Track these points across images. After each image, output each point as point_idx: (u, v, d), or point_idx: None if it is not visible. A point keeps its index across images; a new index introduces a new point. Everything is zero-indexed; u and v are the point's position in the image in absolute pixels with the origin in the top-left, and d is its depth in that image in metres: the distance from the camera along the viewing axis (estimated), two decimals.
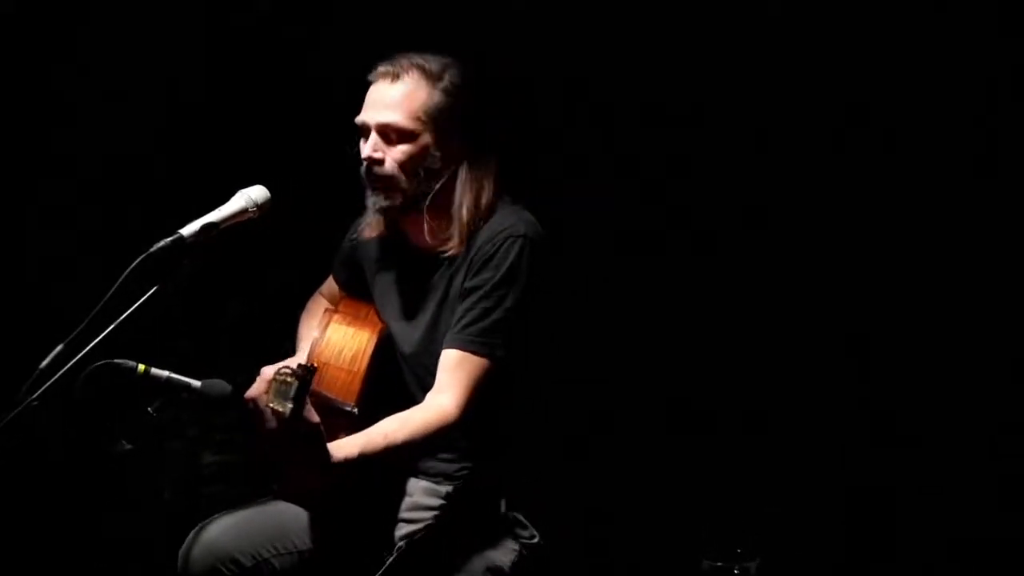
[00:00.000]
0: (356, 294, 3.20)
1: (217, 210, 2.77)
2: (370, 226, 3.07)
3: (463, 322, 2.90)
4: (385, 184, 2.94)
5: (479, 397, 2.87)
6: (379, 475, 2.98)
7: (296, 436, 2.62)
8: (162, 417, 2.78)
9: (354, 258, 3.20)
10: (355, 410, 2.89)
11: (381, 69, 2.95)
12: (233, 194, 2.81)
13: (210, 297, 3.94)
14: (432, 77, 2.93)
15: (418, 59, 2.94)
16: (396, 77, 2.93)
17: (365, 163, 2.94)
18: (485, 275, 2.91)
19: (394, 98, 2.92)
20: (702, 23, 3.67)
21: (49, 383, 2.49)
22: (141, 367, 2.70)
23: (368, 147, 2.94)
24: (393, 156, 2.92)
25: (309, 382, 2.56)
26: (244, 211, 2.79)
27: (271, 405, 2.59)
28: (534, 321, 2.94)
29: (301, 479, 2.81)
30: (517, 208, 2.99)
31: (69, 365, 2.51)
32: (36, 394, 2.47)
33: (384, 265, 3.13)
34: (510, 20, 3.77)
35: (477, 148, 2.97)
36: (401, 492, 3.04)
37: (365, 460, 2.76)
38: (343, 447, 2.75)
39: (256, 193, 2.82)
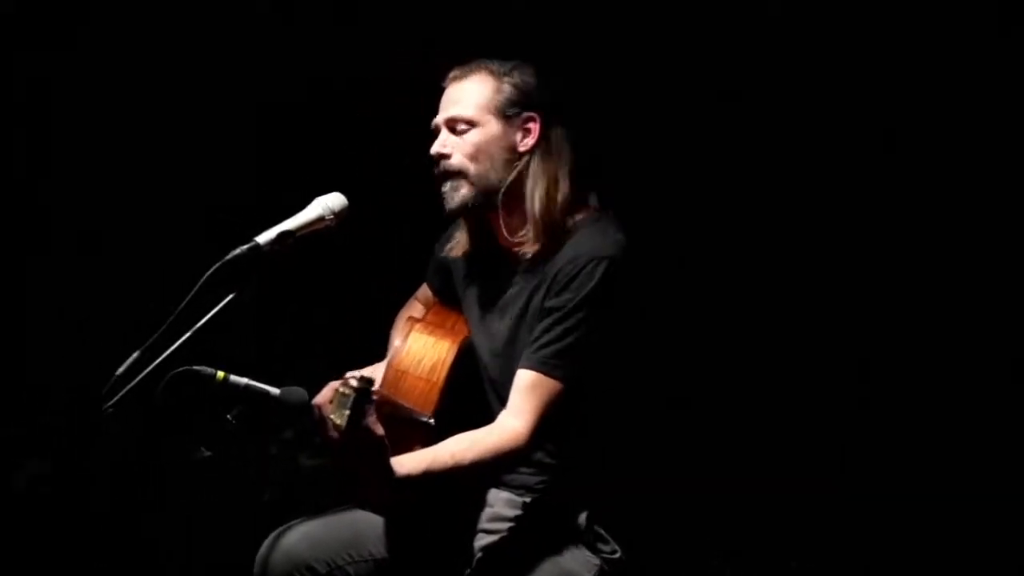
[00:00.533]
0: (449, 302, 3.19)
1: (293, 218, 2.76)
2: (458, 243, 3.08)
3: (540, 342, 2.86)
4: (453, 176, 2.94)
5: (550, 421, 2.84)
6: (449, 492, 2.94)
7: (354, 448, 2.61)
8: (241, 424, 2.79)
9: (445, 265, 3.19)
10: (431, 420, 2.87)
11: (452, 74, 3.00)
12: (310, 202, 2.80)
13: (296, 303, 3.95)
14: (498, 74, 2.96)
15: (487, 62, 2.98)
16: (464, 77, 2.97)
17: (435, 161, 2.95)
18: (566, 296, 2.87)
19: (460, 93, 2.96)
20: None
21: (125, 390, 2.49)
22: (220, 374, 2.71)
23: (436, 143, 2.96)
24: (460, 148, 2.94)
25: (366, 395, 2.54)
26: (321, 219, 2.78)
27: (331, 416, 2.58)
28: (616, 342, 2.90)
29: (364, 490, 2.79)
30: (605, 224, 2.95)
31: (146, 372, 2.52)
32: (112, 400, 2.47)
33: (471, 275, 3.11)
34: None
35: (549, 141, 2.96)
36: (482, 502, 3.00)
37: (429, 478, 2.74)
38: (406, 463, 2.73)
39: (333, 201, 2.81)
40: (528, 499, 2.97)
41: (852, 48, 3.60)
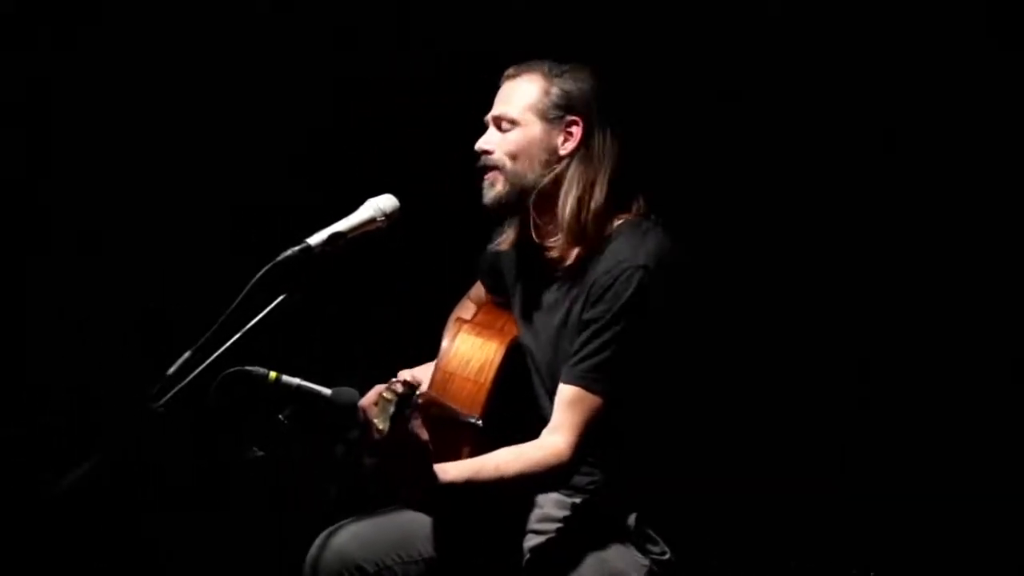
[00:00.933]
0: (501, 300, 3.20)
1: (345, 219, 2.78)
2: (506, 239, 3.10)
3: (579, 356, 2.87)
4: (491, 170, 2.98)
5: (593, 435, 2.84)
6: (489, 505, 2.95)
7: (397, 453, 2.62)
8: (293, 424, 2.81)
9: (497, 264, 3.21)
10: (479, 422, 2.86)
11: (508, 72, 3.03)
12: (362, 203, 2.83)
13: (351, 303, 3.97)
14: (550, 75, 2.98)
15: (541, 62, 3.00)
16: (517, 76, 3.01)
17: (477, 154, 3.00)
18: (601, 308, 2.87)
19: (511, 93, 3.00)
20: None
21: (176, 389, 2.52)
22: (272, 374, 2.74)
23: (482, 139, 3.01)
24: (502, 145, 2.97)
25: (409, 401, 2.55)
26: (372, 220, 2.80)
27: (375, 420, 2.58)
28: (657, 352, 2.89)
29: (406, 492, 2.79)
30: (642, 231, 2.94)
31: (196, 372, 2.54)
32: (163, 400, 2.50)
33: (519, 275, 3.12)
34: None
35: (589, 147, 2.96)
36: (531, 503, 3.01)
37: (471, 488, 2.76)
38: (450, 471, 2.74)
39: (384, 202, 2.83)
40: (578, 500, 2.97)
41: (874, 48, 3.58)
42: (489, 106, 3.02)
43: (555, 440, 2.83)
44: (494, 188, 2.97)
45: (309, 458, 3.66)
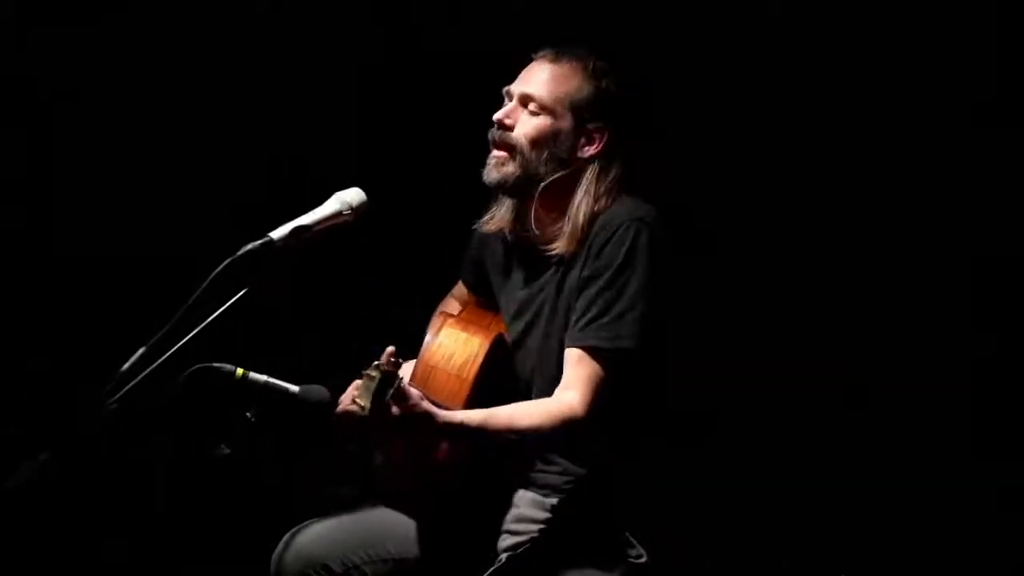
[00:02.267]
0: (484, 299, 3.14)
1: (310, 213, 2.70)
2: (494, 219, 3.01)
3: (586, 317, 2.79)
4: (506, 148, 2.88)
5: (605, 395, 2.76)
6: (486, 479, 2.89)
7: (383, 426, 2.56)
8: (260, 422, 2.76)
9: (481, 259, 3.14)
10: None
11: (547, 50, 2.93)
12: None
13: (324, 299, 3.91)
14: (591, 73, 2.88)
15: (585, 54, 2.90)
16: (556, 60, 2.91)
17: (495, 125, 2.89)
18: (601, 263, 2.80)
19: (546, 76, 2.89)
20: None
21: (128, 387, 2.46)
22: (239, 371, 2.68)
23: (503, 110, 2.90)
24: (524, 126, 2.88)
25: (392, 379, 2.51)
26: (338, 214, 2.73)
27: (357, 400, 2.54)
28: (661, 308, 2.81)
29: (400, 470, 2.74)
30: (636, 200, 2.88)
31: (150, 368, 2.48)
32: (115, 397, 2.44)
33: (505, 264, 3.05)
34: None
35: (609, 158, 2.89)
36: (507, 503, 2.93)
37: (483, 432, 2.69)
38: (462, 412, 2.70)
39: (351, 196, 2.75)
40: (555, 500, 2.90)
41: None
42: (488, 102, 2.93)
43: (567, 395, 2.76)
44: (502, 168, 2.88)
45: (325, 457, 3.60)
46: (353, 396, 2.59)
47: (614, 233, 2.79)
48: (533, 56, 2.93)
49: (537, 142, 2.86)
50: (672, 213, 2.88)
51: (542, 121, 2.86)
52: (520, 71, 2.95)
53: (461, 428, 2.67)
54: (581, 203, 2.86)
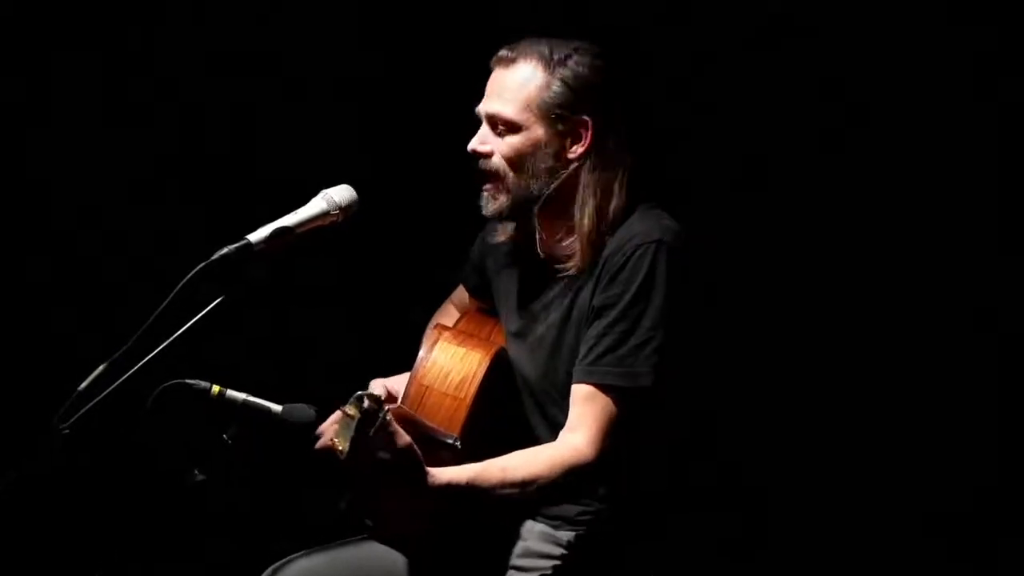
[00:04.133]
0: (486, 305, 2.88)
1: (294, 213, 2.45)
2: (503, 229, 2.74)
3: (597, 351, 2.51)
4: (490, 180, 2.61)
5: (617, 435, 2.49)
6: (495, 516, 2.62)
7: (367, 474, 2.28)
8: (239, 444, 2.50)
9: (483, 264, 2.87)
10: (457, 443, 2.54)
11: (500, 54, 2.62)
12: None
13: (308, 306, 3.64)
14: (551, 64, 2.57)
15: (542, 44, 2.60)
16: (512, 62, 2.60)
17: (473, 158, 2.62)
18: (615, 291, 2.52)
19: (506, 85, 2.60)
20: None
21: (86, 408, 2.19)
22: (215, 388, 2.46)
23: (475, 139, 2.62)
24: (500, 149, 2.59)
25: (374, 419, 2.22)
26: (325, 214, 2.48)
27: (334, 440, 2.25)
28: (683, 340, 2.54)
29: (392, 515, 2.45)
30: (654, 212, 2.60)
31: (112, 388, 2.22)
32: (70, 420, 2.17)
33: (508, 276, 2.78)
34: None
35: (603, 148, 2.59)
36: (514, 535, 2.67)
37: (474, 492, 2.39)
38: (448, 472, 2.39)
39: (340, 194, 2.49)
40: (568, 535, 2.63)
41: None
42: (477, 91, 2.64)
43: (573, 438, 2.49)
44: (495, 201, 2.61)
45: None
46: (333, 432, 2.31)
47: (629, 258, 2.52)
48: (491, 66, 2.65)
49: (518, 164, 2.59)
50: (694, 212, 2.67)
51: (516, 140, 2.58)
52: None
53: (448, 490, 2.37)
54: (584, 209, 2.58)
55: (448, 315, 2.97)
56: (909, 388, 3.32)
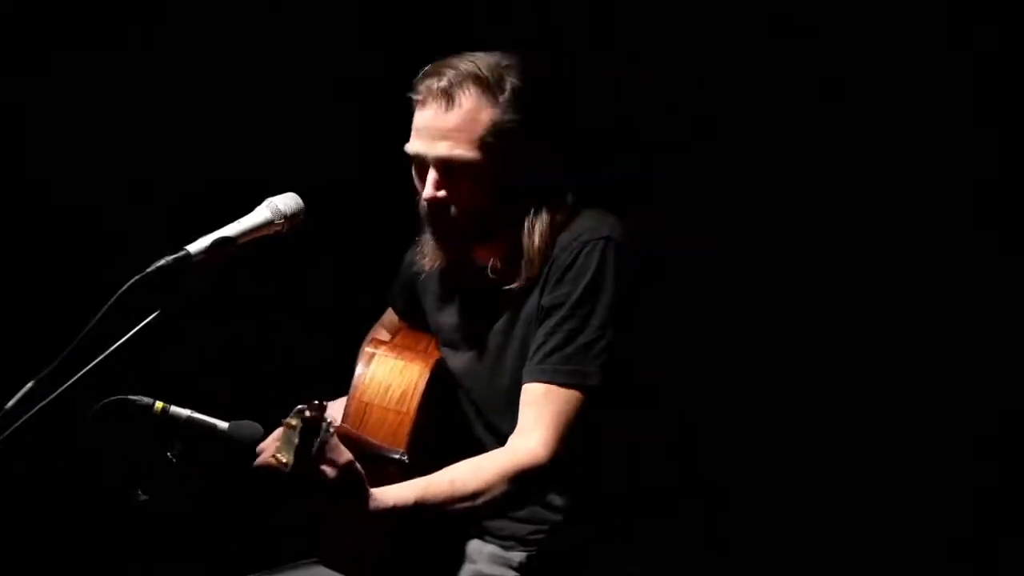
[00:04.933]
0: (417, 324, 2.78)
1: (236, 222, 2.35)
2: (429, 258, 2.60)
3: (544, 349, 2.43)
4: (451, 229, 2.48)
5: (571, 436, 2.39)
6: (436, 535, 2.53)
7: (310, 489, 2.18)
8: (184, 463, 2.41)
9: (412, 283, 2.77)
10: (404, 457, 2.45)
11: (431, 86, 2.45)
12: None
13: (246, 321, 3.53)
14: (491, 88, 2.44)
15: (467, 65, 2.45)
16: (450, 99, 2.43)
17: (426, 204, 2.48)
18: (563, 290, 2.44)
19: (452, 126, 2.44)
20: None
21: (12, 428, 2.09)
22: (159, 404, 2.39)
23: (429, 186, 2.46)
24: (460, 195, 2.45)
25: (316, 428, 2.14)
26: (270, 223, 2.37)
27: (277, 455, 2.16)
28: (632, 338, 2.46)
29: (338, 537, 2.39)
30: (598, 211, 2.52)
31: (40, 406, 2.12)
32: None
33: (443, 289, 2.69)
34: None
35: (553, 163, 2.50)
36: (460, 557, 2.59)
37: (423, 511, 2.30)
38: (393, 492, 2.29)
39: (285, 203, 2.39)
40: (520, 555, 2.55)
41: None
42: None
43: (524, 441, 2.39)
44: (454, 247, 2.50)
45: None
46: (275, 448, 2.21)
47: (577, 255, 2.44)
48: (414, 98, 2.48)
49: (482, 206, 2.47)
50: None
51: (473, 183, 2.45)
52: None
53: (394, 512, 2.27)
54: (535, 226, 2.48)
55: (381, 334, 2.88)
56: (893, 383, 3.24)
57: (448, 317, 2.67)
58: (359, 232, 3.45)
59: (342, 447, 2.21)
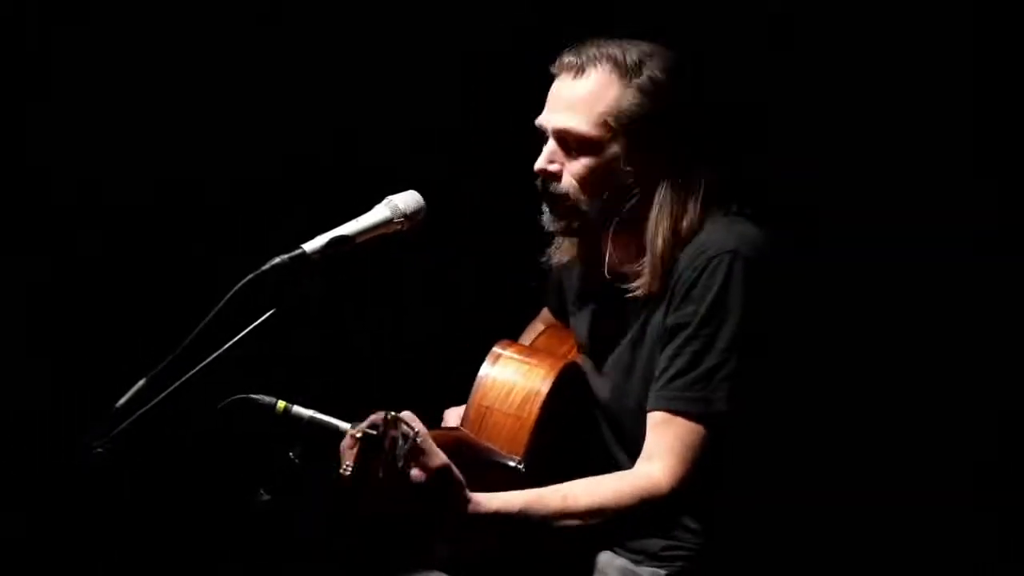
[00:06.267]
0: (568, 325, 2.72)
1: (354, 220, 2.33)
2: (560, 249, 2.58)
3: (668, 373, 2.36)
4: (561, 203, 2.43)
5: (697, 465, 2.32)
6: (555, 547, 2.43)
7: (380, 498, 2.16)
8: (305, 464, 2.39)
9: (560, 284, 2.72)
10: (520, 466, 2.41)
11: (566, 60, 2.43)
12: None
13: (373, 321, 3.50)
14: (626, 71, 2.39)
15: (612, 47, 2.41)
16: (581, 71, 2.41)
17: (539, 177, 2.44)
18: (688, 309, 2.35)
19: (577, 97, 2.40)
20: None
21: (124, 425, 2.09)
22: (281, 404, 2.34)
23: (542, 157, 2.44)
24: (572, 170, 2.41)
25: (379, 445, 2.12)
26: (388, 222, 2.35)
27: (346, 463, 2.15)
28: (765, 361, 2.36)
29: (451, 538, 2.35)
30: (730, 219, 2.42)
31: (150, 405, 2.12)
32: (105, 439, 2.07)
33: (581, 295, 2.62)
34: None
35: (682, 162, 2.41)
36: (588, 568, 2.49)
37: (528, 521, 2.24)
38: (500, 498, 2.25)
39: (405, 201, 2.37)
40: (649, 572, 2.45)
41: None
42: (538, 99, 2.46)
43: (648, 467, 2.34)
44: (562, 222, 2.45)
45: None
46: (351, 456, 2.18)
47: (701, 272, 2.35)
48: (552, 71, 2.47)
49: (593, 186, 2.41)
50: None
51: (591, 159, 2.40)
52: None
53: (496, 517, 2.22)
54: (659, 228, 2.40)
55: (532, 333, 2.83)
56: (893, 383, 3.12)
57: (582, 322, 2.61)
58: (489, 227, 3.41)
59: (436, 451, 2.17)
